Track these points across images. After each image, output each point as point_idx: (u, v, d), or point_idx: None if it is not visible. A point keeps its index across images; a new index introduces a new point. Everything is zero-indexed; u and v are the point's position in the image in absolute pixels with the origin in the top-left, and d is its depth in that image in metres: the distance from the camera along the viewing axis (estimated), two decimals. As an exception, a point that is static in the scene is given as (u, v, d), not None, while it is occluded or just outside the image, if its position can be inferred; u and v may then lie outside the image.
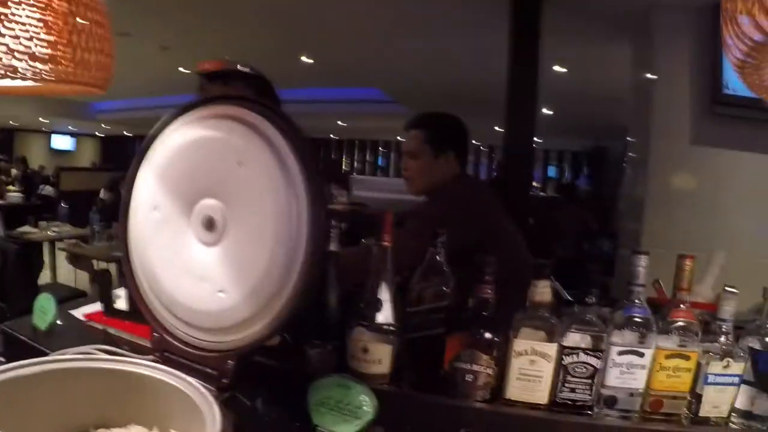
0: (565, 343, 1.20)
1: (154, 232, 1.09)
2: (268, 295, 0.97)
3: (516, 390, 1.22)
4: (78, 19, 1.21)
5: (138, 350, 1.32)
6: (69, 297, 2.55)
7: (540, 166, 15.33)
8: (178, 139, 1.07)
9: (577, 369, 1.20)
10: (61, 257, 6.21)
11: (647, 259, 1.20)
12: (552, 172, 16.01)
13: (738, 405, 1.23)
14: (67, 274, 6.32)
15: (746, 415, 1.23)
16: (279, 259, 0.95)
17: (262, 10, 5.44)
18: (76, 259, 5.84)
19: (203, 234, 1.03)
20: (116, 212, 1.21)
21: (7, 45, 1.06)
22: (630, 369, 1.20)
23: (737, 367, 1.20)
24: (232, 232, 1.01)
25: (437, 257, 1.28)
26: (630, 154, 3.99)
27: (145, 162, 1.12)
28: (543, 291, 1.19)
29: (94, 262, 5.76)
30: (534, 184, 11.51)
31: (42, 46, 1.11)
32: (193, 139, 1.05)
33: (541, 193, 12.78)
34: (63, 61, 1.16)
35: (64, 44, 1.16)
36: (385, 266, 1.28)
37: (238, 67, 1.07)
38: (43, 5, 1.11)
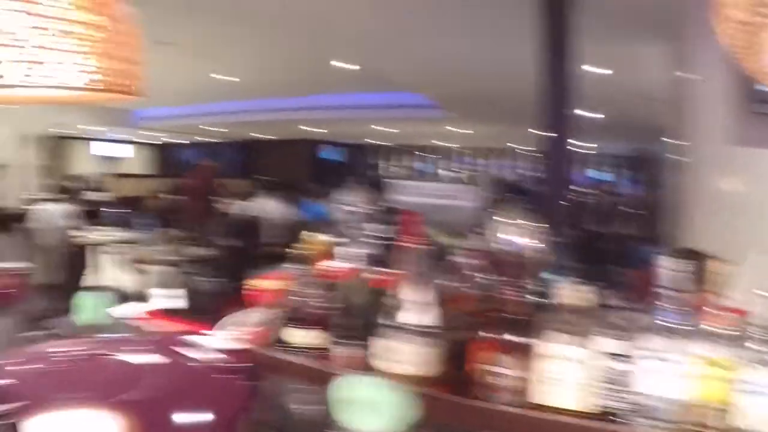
0: (592, 347, 1.18)
1: None
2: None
3: (541, 393, 1.21)
4: (113, 33, 1.27)
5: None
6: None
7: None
8: None
9: (604, 374, 1.17)
10: (104, 260, 6.39)
11: (678, 263, 1.17)
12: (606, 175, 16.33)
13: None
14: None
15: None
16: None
17: (294, 17, 5.50)
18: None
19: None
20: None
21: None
22: (660, 375, 1.17)
23: (771, 374, 1.16)
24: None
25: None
26: (671, 155, 3.92)
27: None
28: (571, 294, 1.17)
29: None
30: (580, 188, 10.95)
31: (82, 59, 1.17)
32: None
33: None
34: (100, 72, 1.21)
35: (100, 55, 1.21)
36: (415, 268, 1.28)
37: None
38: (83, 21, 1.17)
